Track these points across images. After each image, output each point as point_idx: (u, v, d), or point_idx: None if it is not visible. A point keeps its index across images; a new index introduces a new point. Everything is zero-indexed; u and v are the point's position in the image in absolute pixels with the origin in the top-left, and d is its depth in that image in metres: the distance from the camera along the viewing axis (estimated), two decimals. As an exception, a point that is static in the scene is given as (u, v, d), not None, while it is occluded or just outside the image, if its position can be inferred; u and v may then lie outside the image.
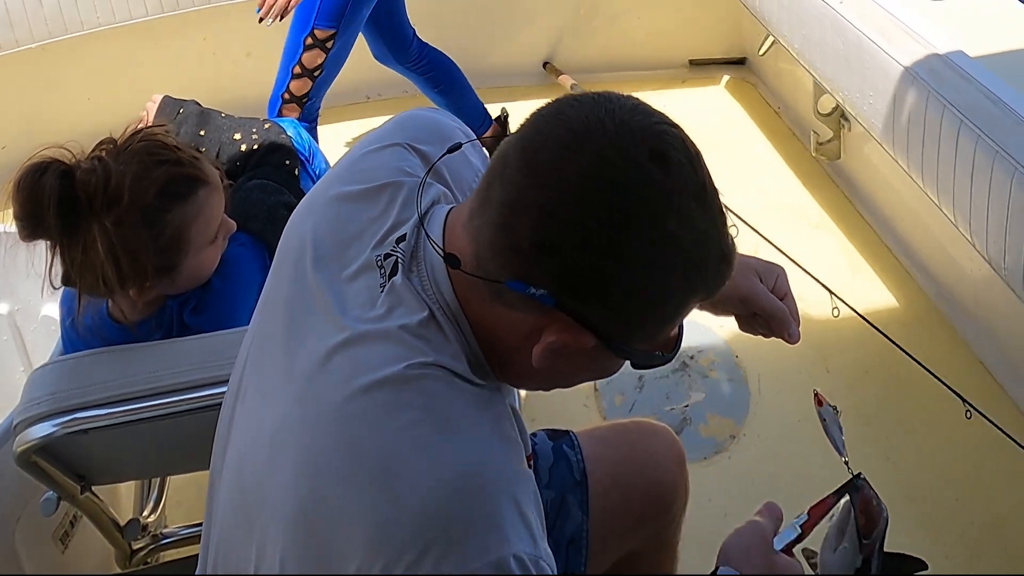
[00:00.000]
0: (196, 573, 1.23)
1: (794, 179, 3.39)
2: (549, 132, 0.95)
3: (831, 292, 1.59)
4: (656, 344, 1.02)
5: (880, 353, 2.67)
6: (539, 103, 1.00)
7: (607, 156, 0.91)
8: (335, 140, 3.65)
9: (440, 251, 1.01)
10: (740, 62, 3.87)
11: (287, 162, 2.08)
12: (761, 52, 3.59)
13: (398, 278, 1.03)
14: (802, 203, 3.28)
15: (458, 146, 1.15)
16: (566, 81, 3.81)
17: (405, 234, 1.07)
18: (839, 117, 3.09)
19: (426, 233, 1.04)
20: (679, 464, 1.72)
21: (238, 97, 3.68)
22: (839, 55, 2.59)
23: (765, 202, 3.27)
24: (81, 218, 1.56)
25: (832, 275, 2.92)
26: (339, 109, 3.82)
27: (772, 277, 1.38)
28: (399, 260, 1.05)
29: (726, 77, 3.87)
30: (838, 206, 3.25)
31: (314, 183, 2.12)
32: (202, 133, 2.08)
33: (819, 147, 3.22)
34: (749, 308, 1.37)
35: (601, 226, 0.90)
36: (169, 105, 2.12)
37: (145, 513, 2.13)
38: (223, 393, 1.49)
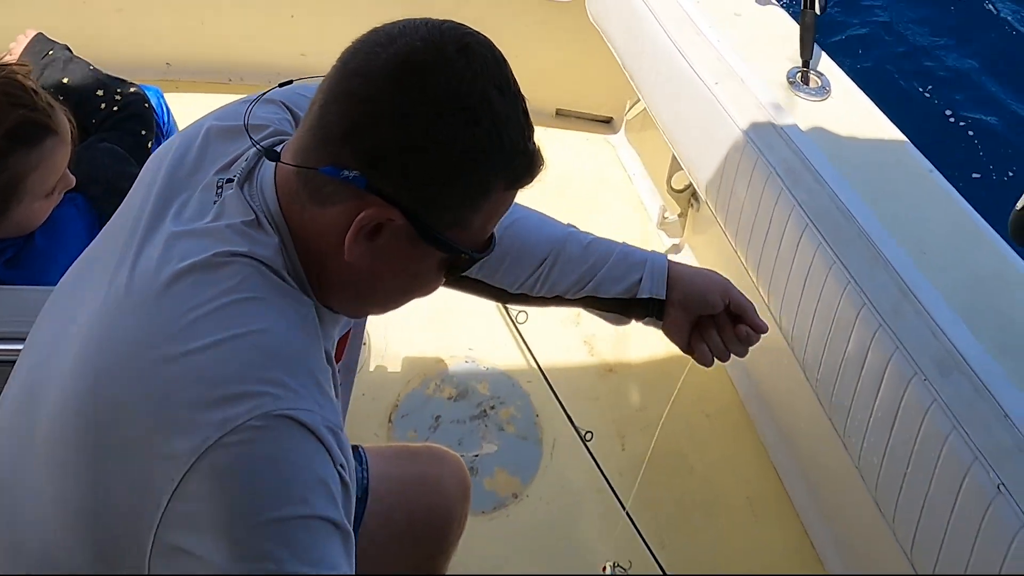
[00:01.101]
0: None
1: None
2: (364, 40, 1.06)
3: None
4: (468, 238, 1.09)
5: (676, 436, 2.66)
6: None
7: (414, 47, 1.01)
8: (190, 118, 3.46)
9: (261, 147, 1.09)
10: (606, 121, 3.83)
11: (143, 132, 2.03)
12: (627, 115, 3.56)
13: (231, 191, 1.10)
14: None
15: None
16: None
17: (248, 157, 1.14)
18: (690, 196, 3.06)
19: (258, 146, 1.11)
20: (463, 493, 1.76)
21: (100, 53, 3.47)
22: (702, 135, 2.55)
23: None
24: None
25: (648, 355, 2.92)
26: (197, 83, 3.69)
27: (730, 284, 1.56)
28: (235, 178, 1.11)
29: (588, 134, 3.81)
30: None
31: None
32: (65, 81, 2.03)
33: (664, 221, 3.19)
34: (725, 299, 1.52)
35: (402, 103, 0.99)
36: (40, 43, 2.08)
37: None
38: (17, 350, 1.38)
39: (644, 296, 1.53)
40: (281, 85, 1.28)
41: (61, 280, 1.20)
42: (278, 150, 1.10)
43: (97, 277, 1.09)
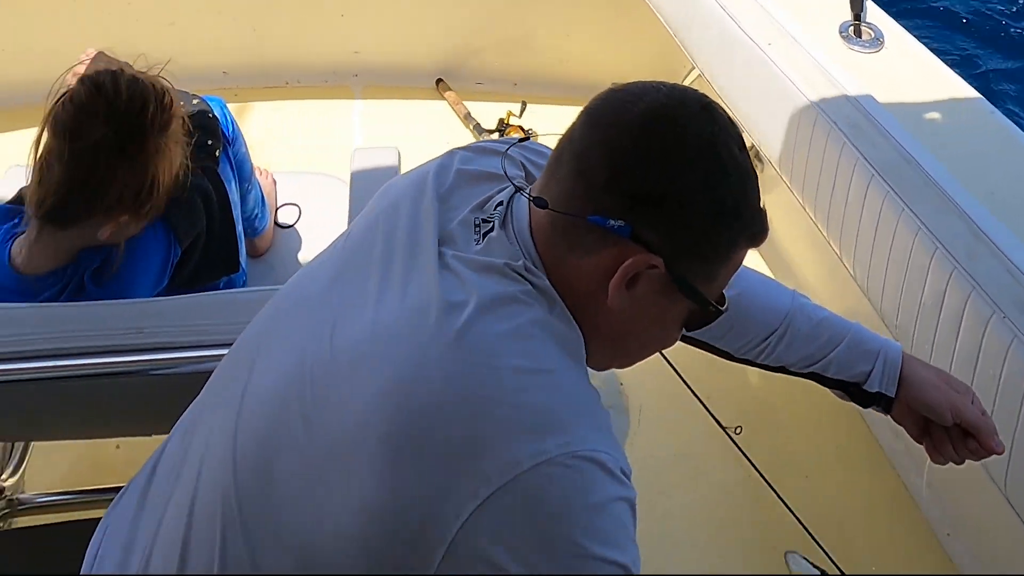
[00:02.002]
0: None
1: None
2: (608, 97, 1.09)
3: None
4: (712, 291, 1.12)
5: (762, 395, 2.68)
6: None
7: (663, 103, 1.06)
8: (252, 124, 3.56)
9: (528, 195, 1.12)
10: (663, 91, 3.84)
11: (210, 143, 2.05)
12: (684, 83, 3.58)
13: (494, 232, 1.14)
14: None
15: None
16: (449, 94, 3.78)
17: (502, 201, 1.17)
18: (753, 158, 3.07)
19: (516, 187, 1.15)
20: None
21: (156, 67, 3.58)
22: (761, 96, 2.58)
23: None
24: (151, 122, 1.68)
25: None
26: (255, 91, 3.76)
27: (969, 396, 1.46)
28: (495, 221, 1.15)
29: (647, 105, 3.83)
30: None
31: (232, 167, 2.08)
32: None
33: (730, 186, 3.20)
34: (957, 419, 1.44)
35: (663, 153, 1.03)
36: (103, 62, 2.09)
37: (3, 476, 2.10)
38: (98, 363, 1.48)
39: (872, 391, 1.49)
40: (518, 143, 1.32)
41: (294, 283, 1.29)
42: (525, 207, 1.14)
43: (354, 291, 1.15)
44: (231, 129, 2.20)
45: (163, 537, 1.16)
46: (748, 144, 2.96)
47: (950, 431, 1.45)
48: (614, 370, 2.65)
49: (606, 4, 3.58)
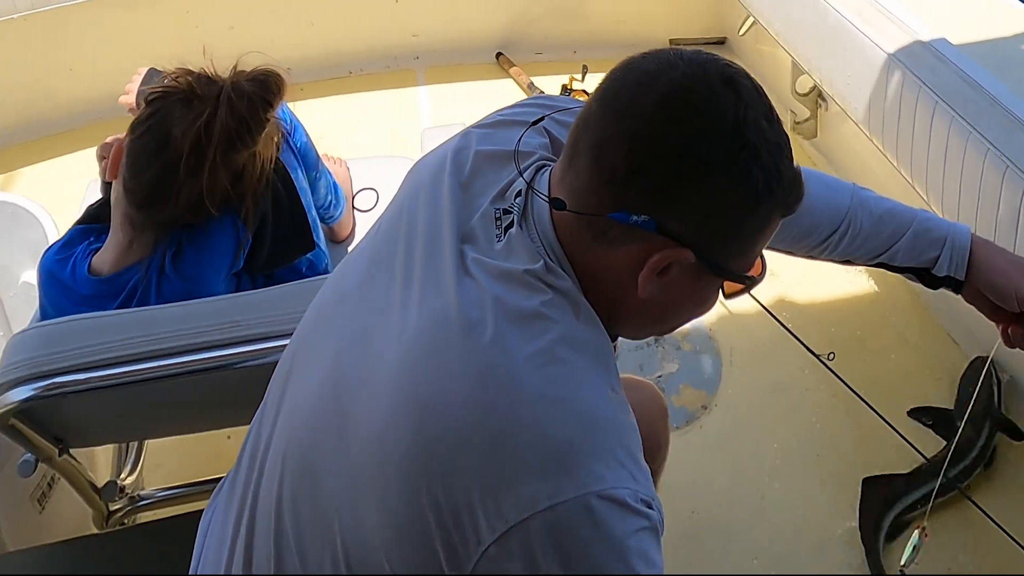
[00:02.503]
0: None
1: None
2: (623, 79, 1.03)
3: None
4: (746, 263, 1.09)
5: (849, 328, 2.73)
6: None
7: (682, 84, 0.99)
8: (315, 115, 3.65)
9: (546, 198, 1.07)
10: (720, 42, 3.88)
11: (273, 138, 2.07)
12: (741, 32, 3.61)
13: (514, 230, 1.10)
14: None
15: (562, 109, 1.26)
16: (510, 66, 3.83)
17: (521, 190, 1.13)
18: (816, 97, 3.11)
19: (531, 188, 1.11)
20: (662, 418, 1.81)
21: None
22: (818, 36, 2.62)
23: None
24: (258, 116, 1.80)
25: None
26: (320, 83, 3.84)
27: None
28: (515, 214, 1.11)
29: (706, 56, 3.86)
30: (813, 185, 3.26)
31: (295, 155, 2.14)
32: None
33: (796, 126, 3.25)
34: (1023, 306, 1.43)
35: (686, 140, 0.98)
36: (154, 77, 2.14)
37: (122, 475, 2.17)
38: (198, 360, 1.55)
39: (941, 275, 1.47)
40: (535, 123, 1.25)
41: (333, 281, 1.28)
42: (545, 186, 1.11)
43: (380, 296, 1.14)
44: (288, 120, 2.22)
45: (240, 540, 1.21)
46: (810, 86, 3.01)
47: (1021, 317, 1.45)
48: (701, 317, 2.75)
49: (657, -39, 3.62)
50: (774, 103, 1.03)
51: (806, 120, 3.20)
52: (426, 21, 3.88)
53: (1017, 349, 1.48)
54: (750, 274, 1.10)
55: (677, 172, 0.98)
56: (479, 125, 1.29)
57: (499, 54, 3.93)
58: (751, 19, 3.30)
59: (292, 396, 1.21)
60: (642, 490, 0.98)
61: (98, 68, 3.52)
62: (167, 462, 2.42)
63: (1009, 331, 1.46)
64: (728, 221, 1.02)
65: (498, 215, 1.13)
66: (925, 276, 1.49)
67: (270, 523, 1.15)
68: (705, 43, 3.88)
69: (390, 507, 1.00)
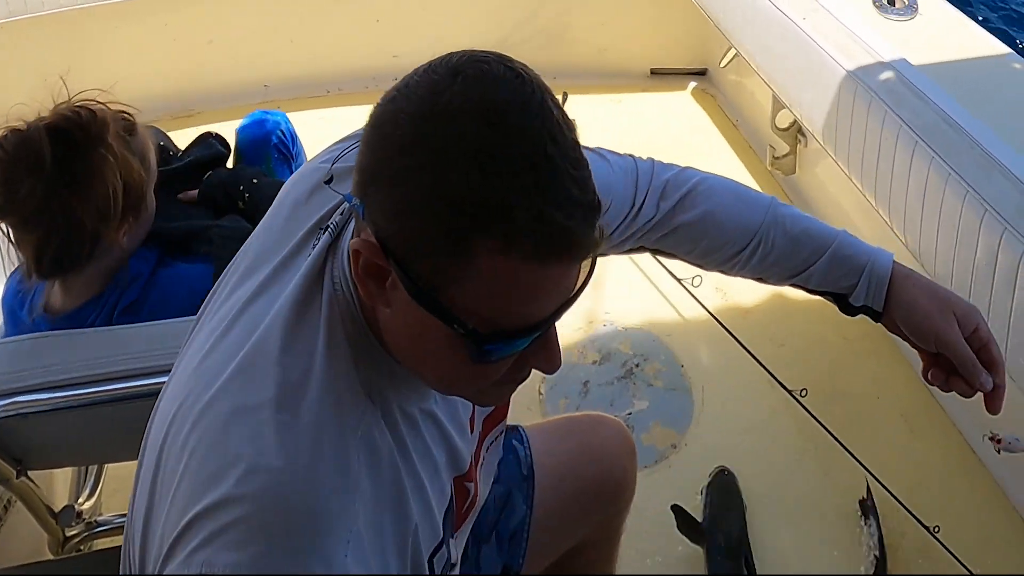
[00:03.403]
0: None
1: (749, 192, 3.37)
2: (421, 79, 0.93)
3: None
4: (472, 309, 0.89)
5: (824, 367, 2.70)
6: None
7: (439, 88, 0.89)
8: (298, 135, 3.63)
9: (344, 195, 0.96)
10: (701, 73, 3.86)
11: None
12: (722, 64, 3.59)
13: (311, 259, 1.04)
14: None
15: None
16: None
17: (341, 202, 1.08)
18: (796, 132, 3.09)
19: (332, 189, 1.04)
20: (629, 456, 1.76)
21: (199, 85, 3.65)
22: (799, 71, 2.60)
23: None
24: (80, 148, 1.61)
25: (780, 288, 2.96)
26: (298, 101, 3.79)
27: (971, 324, 1.32)
28: (329, 227, 1.07)
29: (686, 87, 3.86)
30: (790, 221, 3.24)
31: None
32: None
33: (775, 161, 3.22)
34: (941, 350, 1.32)
35: (409, 141, 0.87)
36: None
37: (80, 500, 2.13)
38: (163, 382, 1.48)
39: (858, 304, 1.39)
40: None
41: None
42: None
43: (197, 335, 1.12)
44: (292, 144, 2.20)
45: None
46: (790, 120, 2.99)
47: (940, 358, 1.33)
48: (673, 351, 2.73)
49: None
50: (754, 137, 0.97)
51: (785, 155, 3.18)
52: (407, 42, 3.83)
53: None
54: (482, 326, 0.90)
55: (384, 160, 0.88)
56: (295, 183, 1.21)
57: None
58: (733, 51, 3.28)
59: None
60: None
61: (72, 80, 3.44)
62: (126, 487, 2.35)
63: (930, 374, 1.35)
64: (412, 218, 0.86)
65: (318, 236, 1.07)
66: (842, 302, 1.41)
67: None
68: (686, 73, 3.86)
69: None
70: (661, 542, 2.30)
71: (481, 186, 0.83)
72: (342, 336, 0.99)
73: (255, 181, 1.99)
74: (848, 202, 2.88)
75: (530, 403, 2.65)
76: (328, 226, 1.06)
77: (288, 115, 3.64)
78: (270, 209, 1.18)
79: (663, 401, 2.65)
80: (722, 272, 1.46)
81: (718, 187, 1.41)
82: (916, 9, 2.48)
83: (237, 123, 2.34)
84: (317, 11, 3.69)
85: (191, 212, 1.95)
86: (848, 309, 1.41)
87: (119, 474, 2.32)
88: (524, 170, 0.84)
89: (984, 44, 2.37)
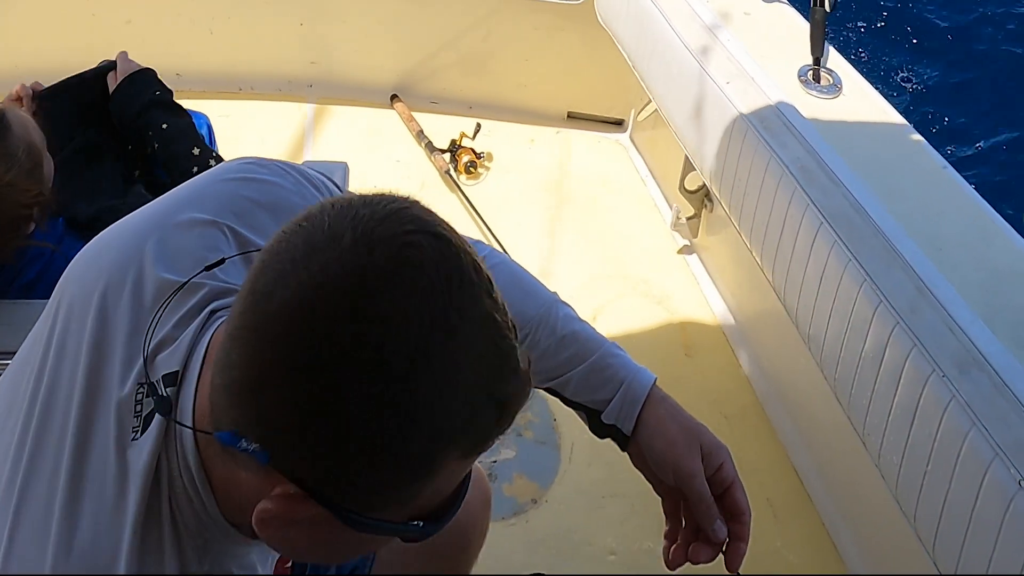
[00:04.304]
0: None
1: (648, 250, 3.32)
2: (280, 248, 0.78)
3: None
4: (416, 507, 0.82)
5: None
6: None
7: (331, 271, 0.74)
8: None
9: (191, 416, 0.86)
10: (618, 123, 3.82)
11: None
12: (640, 117, 3.56)
13: (147, 438, 0.88)
14: (647, 277, 3.21)
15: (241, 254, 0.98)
16: (403, 110, 3.72)
17: (177, 372, 0.89)
18: (703, 196, 3.06)
19: (169, 399, 0.88)
20: (484, 504, 1.67)
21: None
22: (715, 135, 2.55)
23: (611, 268, 3.21)
24: None
25: (665, 355, 2.91)
26: (209, 94, 3.66)
27: (717, 461, 1.24)
28: (155, 411, 0.88)
29: (600, 135, 3.81)
30: (684, 285, 3.20)
31: None
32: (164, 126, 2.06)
33: (678, 223, 3.18)
34: (679, 484, 1.23)
35: (306, 356, 0.73)
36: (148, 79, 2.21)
37: None
38: None
39: (608, 422, 1.29)
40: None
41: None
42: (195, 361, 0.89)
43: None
44: (212, 146, 2.21)
45: None
46: (699, 184, 2.96)
47: (677, 498, 1.26)
48: (548, 403, 2.64)
49: (567, 31, 3.55)
50: (662, 194, 0.87)
51: (690, 218, 3.14)
52: (327, 50, 3.75)
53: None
54: (418, 520, 0.84)
55: (290, 395, 0.74)
56: (159, 215, 1.02)
57: (394, 96, 3.80)
58: (652, 105, 3.23)
59: None
60: None
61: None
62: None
63: (671, 551, 1.25)
64: (357, 465, 0.76)
65: (139, 397, 0.89)
66: (595, 420, 1.30)
67: None
68: (603, 121, 3.81)
69: None
70: (506, 599, 2.21)
71: (433, 399, 0.75)
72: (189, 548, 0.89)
73: (164, 127, 2.02)
74: (745, 273, 2.85)
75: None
76: (163, 396, 0.88)
77: (198, 106, 3.54)
78: (57, 305, 0.98)
79: (530, 453, 2.56)
80: None
81: (503, 271, 1.30)
82: (840, 89, 2.46)
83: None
84: (242, 6, 3.57)
85: (99, 180, 1.90)
86: (599, 429, 1.31)
87: None
88: (473, 351, 0.77)
89: (902, 132, 2.36)
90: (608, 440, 1.31)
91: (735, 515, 1.24)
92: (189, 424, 0.86)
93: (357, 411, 0.73)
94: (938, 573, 1.75)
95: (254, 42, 3.67)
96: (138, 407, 0.89)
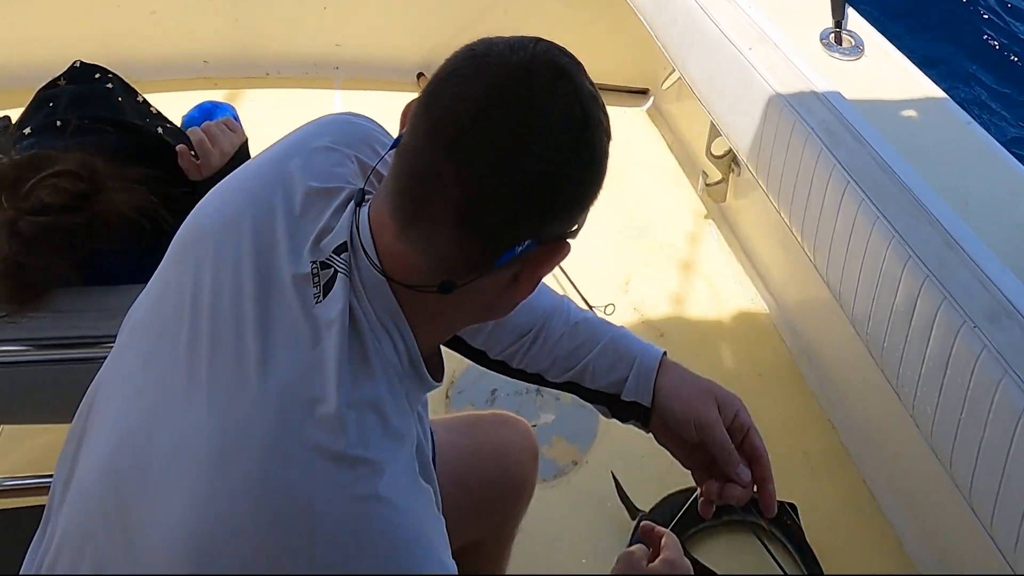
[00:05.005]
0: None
1: (675, 216, 3.37)
2: (446, 102, 0.94)
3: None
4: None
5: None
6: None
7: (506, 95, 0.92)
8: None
9: (380, 271, 0.98)
10: (643, 92, 3.85)
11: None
12: (664, 86, 3.58)
13: (336, 296, 0.98)
14: (677, 242, 3.27)
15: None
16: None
17: (345, 243, 1.01)
18: (730, 161, 3.09)
19: (366, 254, 1.00)
20: (532, 458, 1.74)
21: (138, 56, 3.54)
22: (739, 100, 2.58)
23: (641, 235, 3.26)
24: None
25: (698, 316, 2.96)
26: (236, 80, 3.74)
27: (731, 410, 1.31)
28: (337, 273, 1.00)
29: (626, 105, 3.84)
30: (713, 249, 3.25)
31: None
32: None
33: (706, 188, 3.22)
34: (700, 436, 1.30)
35: (543, 158, 0.92)
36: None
37: None
38: (67, 351, 1.48)
39: (628, 399, 1.35)
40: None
41: (130, 323, 1.11)
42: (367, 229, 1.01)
43: (164, 378, 1.01)
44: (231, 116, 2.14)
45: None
46: (725, 149, 2.99)
47: (716, 468, 1.31)
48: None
49: (588, 3, 3.58)
50: (688, 161, 0.99)
51: (717, 183, 3.17)
52: (352, 32, 3.79)
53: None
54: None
55: (586, 172, 0.96)
56: (298, 154, 1.15)
57: (420, 75, 3.85)
58: (676, 74, 3.26)
59: (81, 467, 1.05)
60: None
61: (11, 33, 3.39)
62: (17, 450, 2.28)
63: (702, 492, 1.32)
64: (580, 211, 1.00)
65: (315, 271, 1.00)
66: (615, 404, 1.37)
67: None
68: (627, 91, 3.84)
69: None
70: (551, 560, 2.26)
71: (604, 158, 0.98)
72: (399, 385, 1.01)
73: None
74: (774, 235, 2.88)
75: (436, 407, 2.60)
76: (338, 265, 1.00)
77: (225, 93, 3.60)
78: (223, 208, 1.11)
79: (569, 417, 2.61)
80: (500, 368, 1.44)
81: None
82: (862, 50, 2.49)
83: (175, 96, 2.32)
84: (266, -8, 3.63)
85: None
86: (621, 411, 1.37)
87: (16, 435, 2.27)
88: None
89: (925, 91, 2.38)
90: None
91: (755, 458, 1.30)
92: (377, 266, 0.98)
93: (571, 187, 0.96)
94: (975, 518, 1.79)
95: (279, 27, 3.72)
96: (315, 279, 0.99)
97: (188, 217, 1.13)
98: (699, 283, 3.11)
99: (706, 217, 3.35)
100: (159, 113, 1.93)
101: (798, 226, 2.34)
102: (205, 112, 2.13)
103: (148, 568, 0.92)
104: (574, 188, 0.96)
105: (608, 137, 0.98)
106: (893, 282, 1.97)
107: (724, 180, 3.15)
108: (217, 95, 3.32)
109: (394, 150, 0.99)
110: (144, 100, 1.92)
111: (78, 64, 1.86)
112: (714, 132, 3.03)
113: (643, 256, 3.17)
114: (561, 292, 2.81)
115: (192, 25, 3.61)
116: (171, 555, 0.91)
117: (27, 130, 1.72)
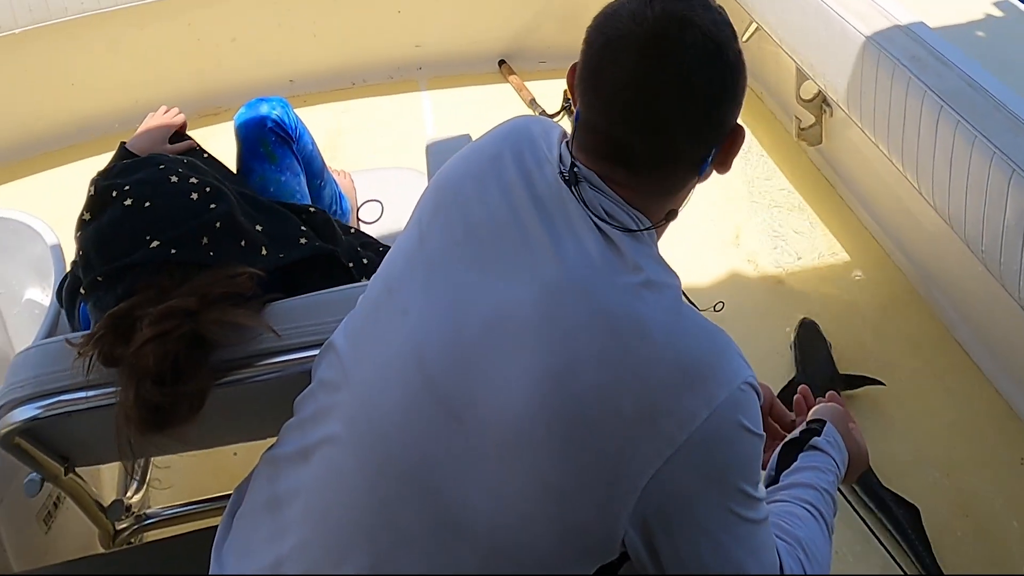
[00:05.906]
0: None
1: (775, 163, 3.41)
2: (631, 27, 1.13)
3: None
4: None
5: (856, 329, 2.72)
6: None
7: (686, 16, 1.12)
8: (318, 126, 3.66)
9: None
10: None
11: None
12: (744, 38, 3.60)
13: (586, 190, 1.17)
14: (782, 187, 3.30)
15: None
16: (515, 82, 3.84)
17: (562, 171, 1.19)
18: (821, 103, 3.10)
19: (586, 182, 1.18)
20: None
21: (221, 83, 3.70)
22: (820, 42, 2.60)
23: (745, 186, 3.30)
24: None
25: (811, 258, 2.98)
26: (323, 94, 3.87)
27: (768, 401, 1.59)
28: (580, 181, 1.18)
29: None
30: (819, 191, 3.28)
31: (299, 162, 2.11)
32: None
33: (801, 132, 3.23)
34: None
35: (724, 51, 1.12)
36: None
37: (128, 494, 2.12)
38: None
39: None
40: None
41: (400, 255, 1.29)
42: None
43: (502, 251, 1.17)
44: (295, 127, 2.17)
45: (291, 535, 1.21)
46: (814, 92, 3.00)
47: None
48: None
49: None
50: (780, 109, 1.10)
51: (811, 126, 3.19)
52: (429, 31, 3.89)
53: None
54: None
55: (731, 80, 1.13)
56: (510, 133, 1.32)
57: (501, 62, 3.93)
58: (754, 24, 3.28)
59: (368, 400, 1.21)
60: (749, 367, 1.11)
61: (99, 82, 3.54)
62: (174, 480, 2.40)
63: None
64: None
65: (567, 180, 1.18)
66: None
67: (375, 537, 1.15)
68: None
69: (546, 474, 1.06)
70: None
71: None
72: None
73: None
74: (878, 169, 2.89)
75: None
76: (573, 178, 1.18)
77: (314, 108, 3.71)
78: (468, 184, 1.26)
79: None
80: None
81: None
82: (937, -27, 2.49)
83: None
84: (338, 4, 3.74)
85: None
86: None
87: (165, 467, 2.35)
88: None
89: (1003, 6, 2.36)
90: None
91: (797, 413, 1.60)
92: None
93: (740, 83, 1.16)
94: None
95: (357, 37, 3.83)
96: (571, 188, 1.17)
97: (428, 190, 1.32)
98: (813, 226, 3.14)
99: (808, 160, 3.37)
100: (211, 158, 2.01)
101: (898, 157, 2.36)
102: (251, 106, 2.16)
103: (504, 418, 1.08)
104: (730, 97, 1.14)
105: (737, 42, 1.14)
106: (1000, 198, 1.98)
107: (817, 123, 3.17)
108: (307, 112, 3.42)
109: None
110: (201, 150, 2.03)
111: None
112: (800, 77, 3.05)
113: (752, 206, 3.22)
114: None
115: (273, 47, 3.74)
116: (528, 396, 1.06)
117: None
